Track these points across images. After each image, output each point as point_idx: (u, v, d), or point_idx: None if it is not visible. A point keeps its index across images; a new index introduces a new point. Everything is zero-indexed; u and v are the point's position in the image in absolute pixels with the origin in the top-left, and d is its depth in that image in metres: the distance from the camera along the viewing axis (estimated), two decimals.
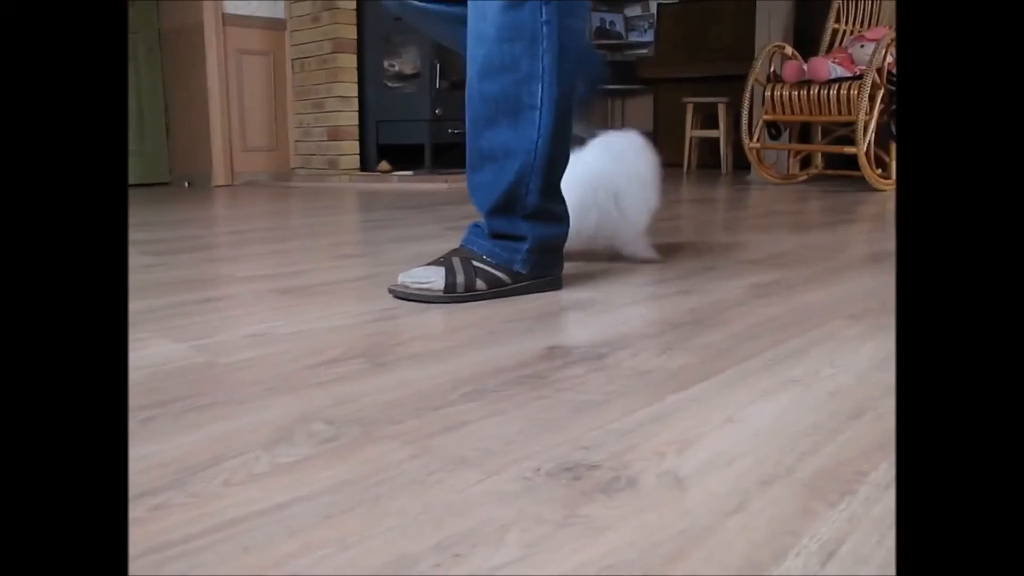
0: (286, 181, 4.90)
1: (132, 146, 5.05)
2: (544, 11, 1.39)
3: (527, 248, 1.48)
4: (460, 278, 1.44)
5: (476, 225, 1.55)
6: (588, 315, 1.33)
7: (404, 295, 1.46)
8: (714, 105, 5.44)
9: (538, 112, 1.43)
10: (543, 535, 0.61)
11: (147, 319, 1.31)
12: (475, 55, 1.44)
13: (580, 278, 1.66)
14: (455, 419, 0.85)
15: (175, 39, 4.96)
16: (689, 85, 5.89)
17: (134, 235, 2.45)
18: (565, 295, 1.49)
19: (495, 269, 1.47)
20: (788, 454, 0.76)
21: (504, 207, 1.47)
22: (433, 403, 0.90)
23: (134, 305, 1.42)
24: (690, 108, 5.58)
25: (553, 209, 1.51)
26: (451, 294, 1.43)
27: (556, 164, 1.49)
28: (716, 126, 5.48)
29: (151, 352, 1.12)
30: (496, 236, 1.50)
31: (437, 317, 1.32)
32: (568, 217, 1.56)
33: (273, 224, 2.76)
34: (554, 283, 1.55)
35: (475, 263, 1.47)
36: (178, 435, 0.82)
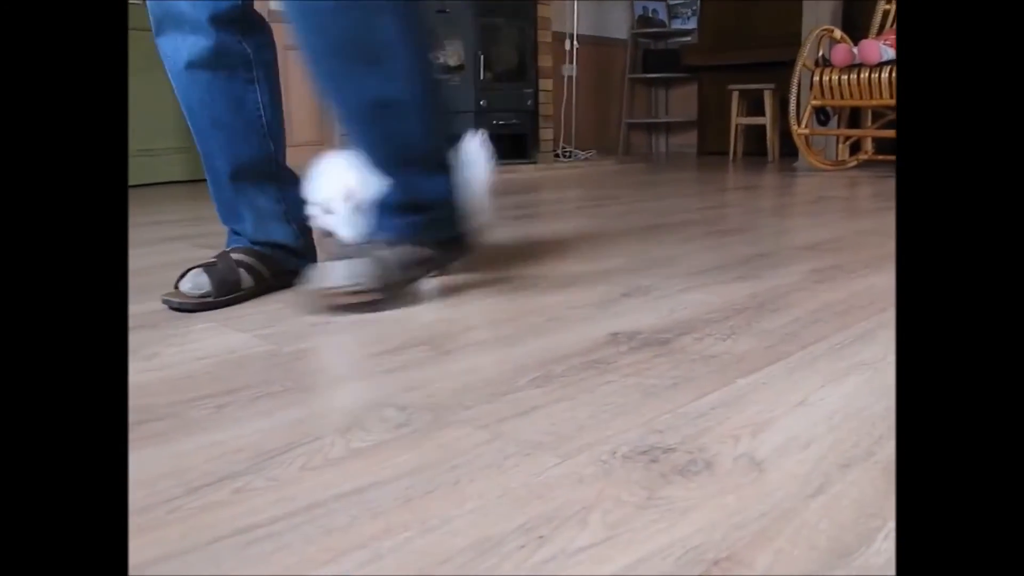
0: None
1: (180, 143, 5.11)
2: None
3: (439, 221, 1.42)
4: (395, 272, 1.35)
5: (384, 203, 1.39)
6: (647, 302, 1.32)
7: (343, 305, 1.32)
8: (760, 92, 5.38)
9: (396, 49, 1.30)
10: (625, 516, 0.61)
11: (208, 311, 1.33)
12: (294, 14, 1.29)
13: (633, 268, 1.65)
14: (525, 404, 0.85)
15: None
16: (734, 72, 5.83)
17: (184, 230, 2.47)
18: (622, 281, 1.48)
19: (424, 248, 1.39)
20: (865, 437, 0.75)
21: (396, 162, 1.37)
22: (502, 389, 0.90)
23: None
24: (735, 95, 5.52)
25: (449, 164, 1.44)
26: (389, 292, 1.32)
27: (440, 114, 1.41)
28: (762, 113, 5.42)
29: (216, 342, 1.13)
30: (398, 207, 1.39)
31: (497, 305, 1.31)
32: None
33: None
34: (468, 245, 1.48)
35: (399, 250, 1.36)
36: (251, 421, 0.83)
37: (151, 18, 1.37)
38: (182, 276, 1.36)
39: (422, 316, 1.25)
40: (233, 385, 0.94)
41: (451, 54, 4.98)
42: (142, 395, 0.91)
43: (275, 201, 1.49)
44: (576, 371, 0.96)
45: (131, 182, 4.88)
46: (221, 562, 0.56)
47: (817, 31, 4.28)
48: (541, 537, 0.58)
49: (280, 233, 1.49)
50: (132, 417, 0.85)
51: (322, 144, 5.13)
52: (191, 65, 1.37)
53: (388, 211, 1.36)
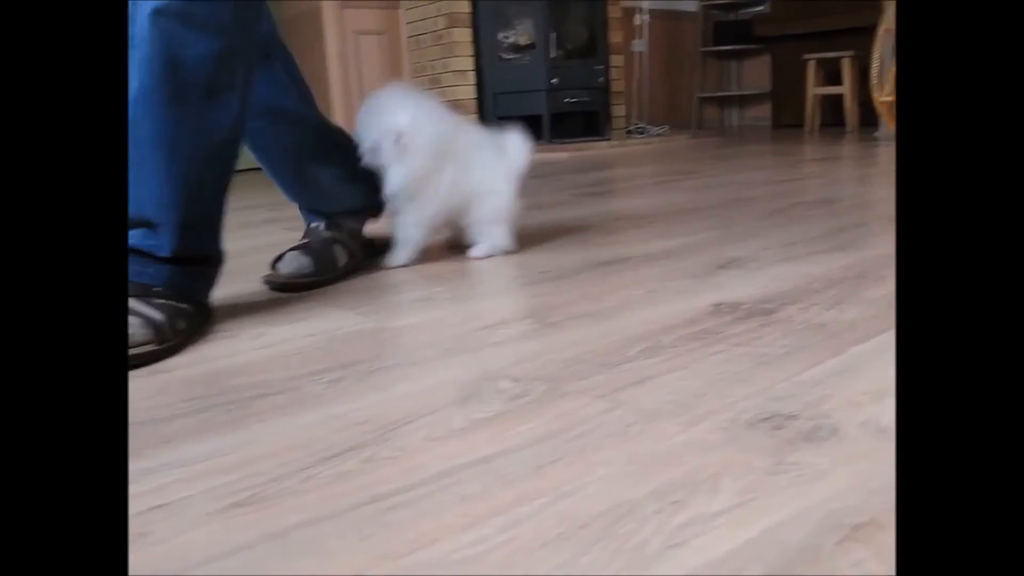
0: None
1: None
2: None
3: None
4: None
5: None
6: (743, 273, 1.31)
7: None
8: (837, 60, 5.26)
9: None
10: (757, 482, 0.61)
11: (309, 289, 1.35)
12: None
13: (722, 240, 1.63)
14: (638, 374, 0.85)
15: (295, 25, 5.07)
16: (809, 41, 5.71)
17: (272, 213, 2.51)
18: (715, 254, 1.47)
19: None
20: None
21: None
22: (613, 359, 0.90)
23: None
24: (811, 65, 5.41)
25: None
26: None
27: None
28: (839, 82, 5.30)
29: (320, 320, 1.15)
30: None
31: (591, 280, 1.31)
32: None
33: None
34: None
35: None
36: (367, 395, 0.84)
37: None
38: (279, 258, 1.38)
39: (518, 293, 1.26)
40: (344, 360, 0.96)
41: (521, 33, 4.97)
42: (256, 372, 0.94)
43: (335, 167, 1.50)
44: (684, 341, 0.95)
45: None
46: (362, 527, 0.58)
47: None
48: (676, 502, 0.58)
49: (351, 198, 1.51)
50: (250, 392, 0.87)
51: None
52: None
53: None
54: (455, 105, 4.86)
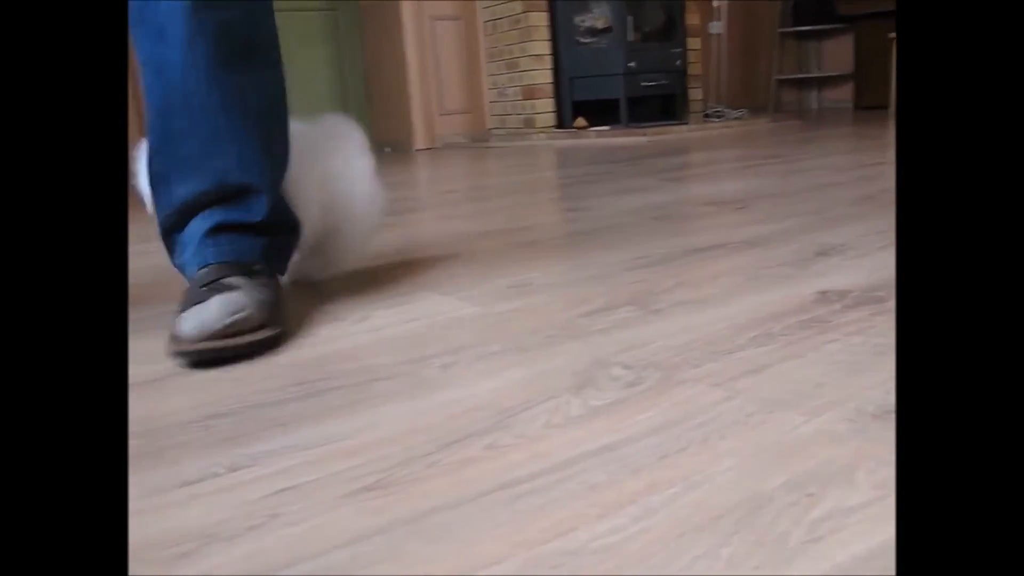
0: (484, 142, 4.98)
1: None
2: None
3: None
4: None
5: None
6: (845, 260, 1.28)
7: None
8: None
9: None
10: (892, 477, 0.60)
11: (406, 274, 1.36)
12: None
13: (817, 226, 1.60)
14: (753, 363, 0.84)
15: (373, 12, 5.10)
16: (894, 19, 5.57)
17: None
18: (811, 240, 1.44)
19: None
20: None
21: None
22: (724, 347, 0.89)
23: (388, 261, 1.48)
24: (897, 44, 5.28)
25: None
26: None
27: None
28: None
29: (424, 304, 1.16)
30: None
31: (688, 266, 1.30)
32: None
33: (484, 183, 2.81)
34: None
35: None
36: (481, 381, 0.84)
37: None
38: None
39: (616, 278, 1.25)
40: (452, 345, 0.96)
41: (598, 16, 4.94)
42: (365, 356, 0.95)
43: None
44: (795, 330, 0.94)
45: None
46: (494, 515, 0.58)
47: None
48: (811, 495, 0.57)
49: None
50: (361, 377, 0.88)
51: (472, 112, 5.18)
52: None
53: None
54: (531, 90, 4.85)
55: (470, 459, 0.67)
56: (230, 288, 1.00)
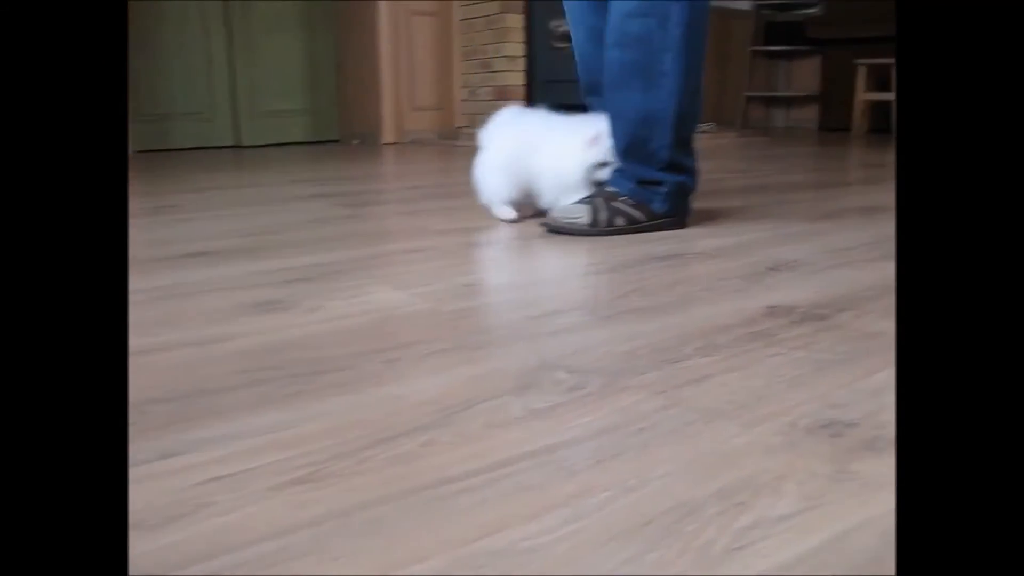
0: (452, 140, 4.96)
1: (303, 105, 5.23)
2: None
3: (664, 192, 1.71)
4: (603, 215, 1.68)
5: (621, 169, 1.73)
6: (796, 276, 1.30)
7: (555, 228, 1.69)
8: (888, 67, 5.20)
9: (668, 79, 1.64)
10: (820, 488, 0.60)
11: (362, 266, 1.36)
12: (613, 25, 1.67)
13: (775, 242, 1.62)
14: (697, 372, 0.85)
15: (348, 2, 5.08)
16: (861, 46, 5.62)
17: (320, 188, 2.53)
18: (766, 255, 1.46)
19: (634, 208, 1.70)
20: None
21: (636, 156, 1.71)
22: (669, 356, 0.90)
23: (345, 253, 1.47)
24: (862, 70, 5.34)
25: (684, 162, 1.74)
26: (594, 228, 1.67)
27: (686, 123, 1.70)
28: (889, 88, 5.23)
29: (376, 297, 1.16)
30: (639, 182, 1.71)
31: (643, 274, 1.31)
32: (696, 170, 1.77)
33: (449, 180, 2.80)
34: (681, 224, 1.77)
35: (615, 203, 1.69)
36: (425, 377, 0.84)
37: None
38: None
39: (573, 283, 1.26)
40: (401, 341, 0.96)
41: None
42: (312, 346, 0.94)
43: None
44: (741, 342, 0.95)
45: (260, 142, 5.01)
46: (419, 514, 0.58)
47: None
48: (740, 504, 0.58)
49: None
50: (308, 368, 0.87)
51: (442, 109, 5.17)
52: None
53: (626, 176, 1.72)
54: (503, 91, 4.85)
55: (405, 455, 0.67)
56: None
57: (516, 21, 4.86)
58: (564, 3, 1.86)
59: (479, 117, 5.07)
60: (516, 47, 4.88)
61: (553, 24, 4.92)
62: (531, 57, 4.94)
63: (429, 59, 5.10)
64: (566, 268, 1.36)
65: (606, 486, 0.61)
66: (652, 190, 1.71)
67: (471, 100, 5.15)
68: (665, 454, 0.66)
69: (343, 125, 5.30)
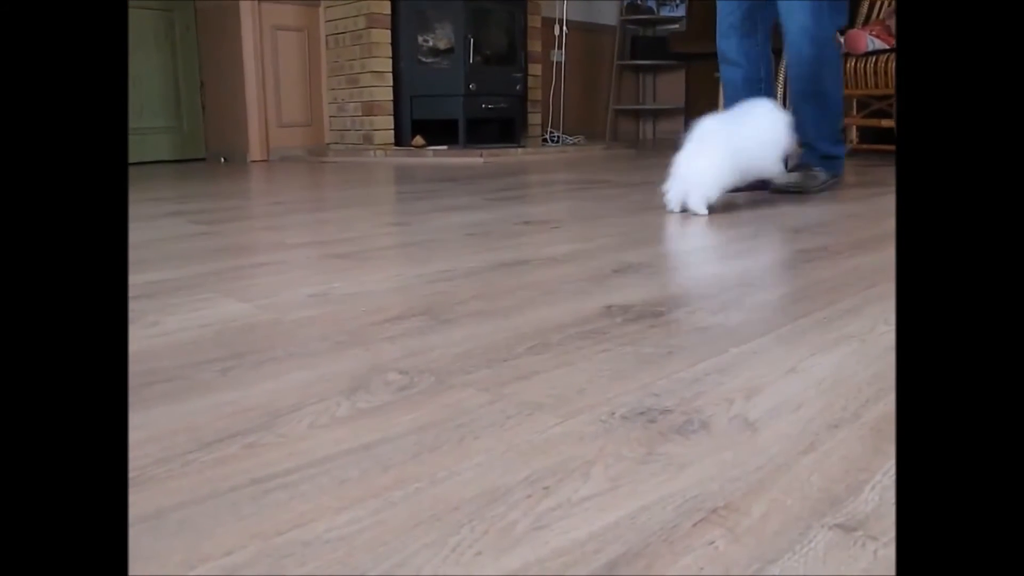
0: (321, 156, 4.93)
1: (168, 122, 5.10)
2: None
3: (839, 162, 2.70)
4: (811, 181, 2.56)
5: (810, 150, 2.61)
6: (641, 278, 1.35)
7: (782, 189, 2.50)
8: None
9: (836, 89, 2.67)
10: (626, 470, 0.64)
11: (208, 281, 1.35)
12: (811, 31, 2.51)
13: (624, 246, 1.67)
14: (525, 369, 0.87)
15: (210, 16, 4.99)
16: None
17: (179, 206, 2.48)
18: (615, 259, 1.51)
19: (823, 174, 2.61)
20: (853, 401, 0.78)
21: (829, 137, 2.63)
22: (501, 355, 0.92)
23: (193, 269, 1.46)
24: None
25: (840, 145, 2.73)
26: (813, 188, 2.54)
27: (840, 118, 2.73)
28: None
29: (218, 310, 1.15)
30: (824, 157, 2.62)
31: (490, 280, 1.34)
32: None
33: (314, 196, 2.79)
34: (838, 184, 2.73)
35: (812, 171, 2.57)
36: (258, 384, 0.85)
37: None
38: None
39: (417, 289, 1.27)
40: (237, 350, 0.96)
41: (441, 37, 4.99)
42: (147, 359, 0.93)
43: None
44: (573, 340, 0.98)
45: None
46: (239, 508, 0.59)
47: None
48: (546, 488, 0.61)
49: None
50: (139, 380, 0.87)
51: (310, 125, 5.13)
52: None
53: (812, 155, 2.63)
54: (370, 107, 4.85)
55: (227, 457, 0.67)
56: None
57: (383, 36, 4.87)
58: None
59: (347, 133, 5.06)
60: (383, 62, 4.89)
61: (421, 39, 4.95)
62: (398, 72, 4.95)
63: (295, 75, 5.06)
64: (413, 277, 1.37)
65: (419, 477, 0.63)
66: (834, 163, 2.65)
67: (339, 116, 5.12)
68: (481, 446, 0.68)
69: (209, 143, 5.20)
